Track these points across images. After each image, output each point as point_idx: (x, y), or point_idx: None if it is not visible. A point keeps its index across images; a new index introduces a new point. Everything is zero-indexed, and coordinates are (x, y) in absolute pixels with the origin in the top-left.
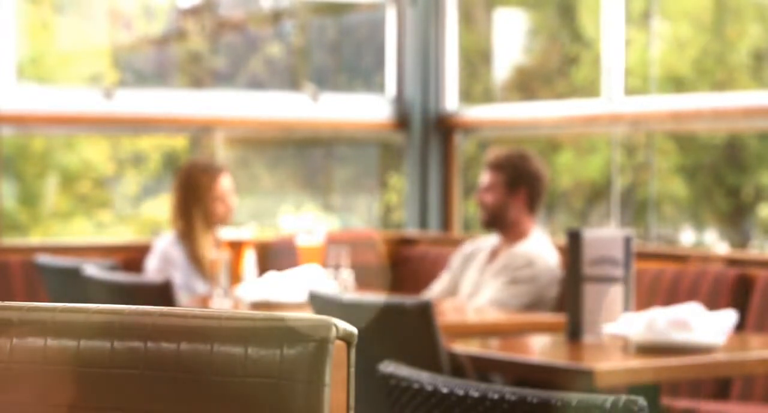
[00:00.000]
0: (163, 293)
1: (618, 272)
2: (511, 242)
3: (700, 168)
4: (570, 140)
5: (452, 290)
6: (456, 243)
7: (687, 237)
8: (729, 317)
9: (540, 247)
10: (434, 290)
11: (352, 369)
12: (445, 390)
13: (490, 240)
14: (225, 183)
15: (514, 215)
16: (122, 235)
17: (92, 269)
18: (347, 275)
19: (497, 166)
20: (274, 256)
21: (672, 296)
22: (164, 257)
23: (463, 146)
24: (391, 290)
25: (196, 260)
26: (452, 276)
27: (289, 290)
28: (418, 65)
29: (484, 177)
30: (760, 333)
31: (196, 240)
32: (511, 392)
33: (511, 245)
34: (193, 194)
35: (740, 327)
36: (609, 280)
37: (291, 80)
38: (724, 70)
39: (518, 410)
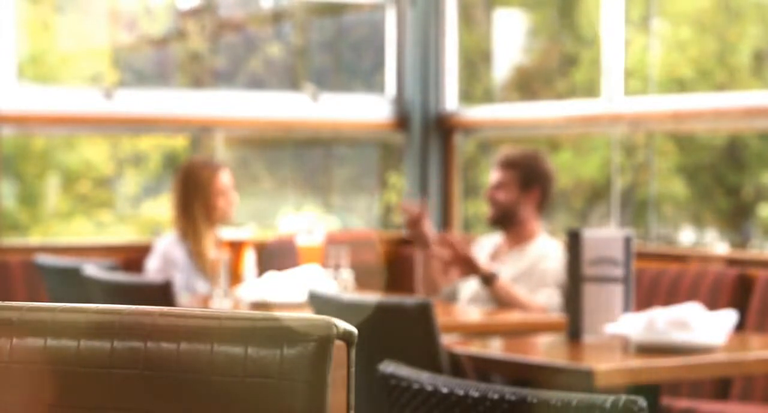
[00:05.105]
0: (163, 293)
1: (618, 272)
2: (517, 242)
3: (700, 168)
4: (570, 140)
5: (453, 295)
6: None
7: (687, 237)
8: (729, 317)
9: (555, 247)
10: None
11: (352, 369)
12: (445, 390)
13: (490, 241)
14: (225, 178)
15: (524, 214)
16: (122, 235)
17: (92, 269)
18: (347, 275)
19: (511, 164)
20: (274, 256)
21: (672, 296)
22: (165, 257)
23: (463, 146)
24: (391, 290)
25: (198, 258)
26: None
27: (289, 290)
28: (418, 65)
29: (495, 175)
30: (760, 333)
31: (198, 237)
32: (511, 392)
33: (518, 246)
34: (194, 190)
35: (740, 327)
36: (609, 280)
37: (291, 80)
38: (724, 71)
39: (518, 410)
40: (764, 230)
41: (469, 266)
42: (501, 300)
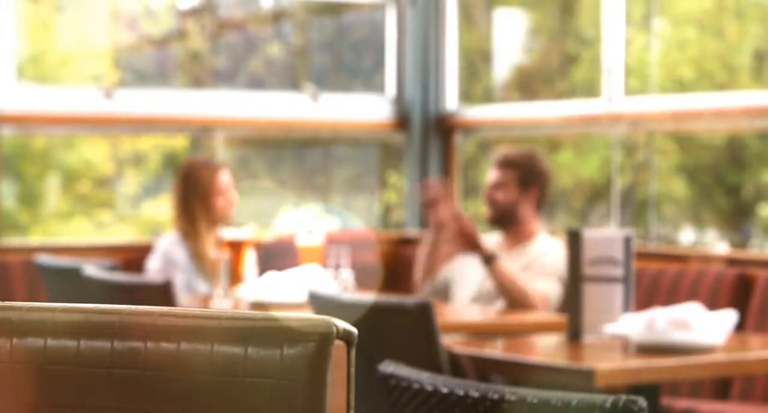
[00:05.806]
0: (163, 293)
1: (618, 272)
2: (517, 242)
3: (700, 168)
4: (570, 140)
5: (443, 292)
6: None
7: (687, 237)
8: (729, 317)
9: (556, 245)
10: (425, 291)
11: (352, 369)
12: (445, 390)
13: (490, 240)
14: (225, 178)
15: (523, 214)
16: (122, 235)
17: (92, 269)
18: (347, 275)
19: (509, 164)
20: (274, 256)
21: (672, 296)
22: (166, 257)
23: (463, 146)
24: (390, 290)
25: (198, 258)
26: (444, 277)
27: (289, 290)
28: (418, 65)
29: (493, 175)
30: (760, 333)
31: (198, 237)
32: (511, 392)
33: (519, 246)
34: (194, 190)
35: (740, 327)
36: (609, 280)
37: (291, 80)
38: (725, 71)
39: (518, 410)
40: (764, 230)
41: (470, 243)
42: (501, 283)
